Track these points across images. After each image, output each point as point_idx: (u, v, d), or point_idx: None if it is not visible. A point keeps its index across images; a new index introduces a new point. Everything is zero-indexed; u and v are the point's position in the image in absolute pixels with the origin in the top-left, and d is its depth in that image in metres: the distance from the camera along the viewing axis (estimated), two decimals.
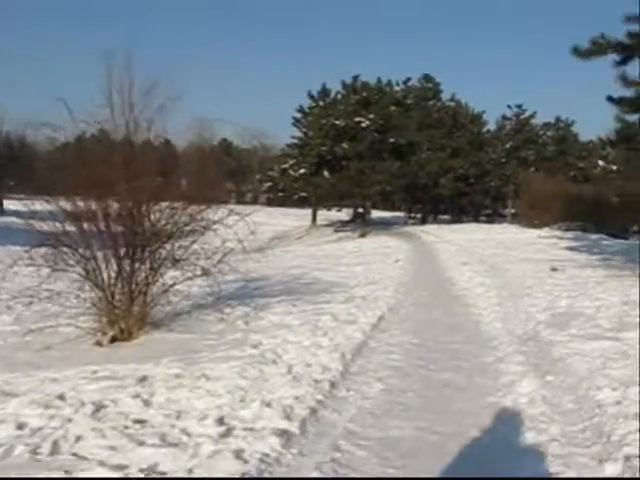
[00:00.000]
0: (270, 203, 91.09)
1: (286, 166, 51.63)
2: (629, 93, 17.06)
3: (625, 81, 16.21)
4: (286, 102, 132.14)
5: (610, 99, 17.92)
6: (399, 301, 13.31)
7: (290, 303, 12.65)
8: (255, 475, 4.66)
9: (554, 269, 17.45)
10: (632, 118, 17.02)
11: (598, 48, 17.62)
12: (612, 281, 14.67)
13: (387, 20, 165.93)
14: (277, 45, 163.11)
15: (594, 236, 32.75)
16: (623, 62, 17.50)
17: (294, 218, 61.34)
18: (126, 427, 5.53)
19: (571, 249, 25.65)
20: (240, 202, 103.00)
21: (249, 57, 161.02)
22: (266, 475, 4.71)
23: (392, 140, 44.32)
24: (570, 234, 34.53)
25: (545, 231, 37.44)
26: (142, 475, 4.64)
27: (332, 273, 18.83)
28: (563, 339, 8.89)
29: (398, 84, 48.74)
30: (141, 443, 5.15)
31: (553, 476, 4.66)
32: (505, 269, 18.41)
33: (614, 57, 17.60)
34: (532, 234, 35.38)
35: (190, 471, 4.68)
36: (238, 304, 12.55)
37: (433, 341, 9.56)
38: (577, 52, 17.92)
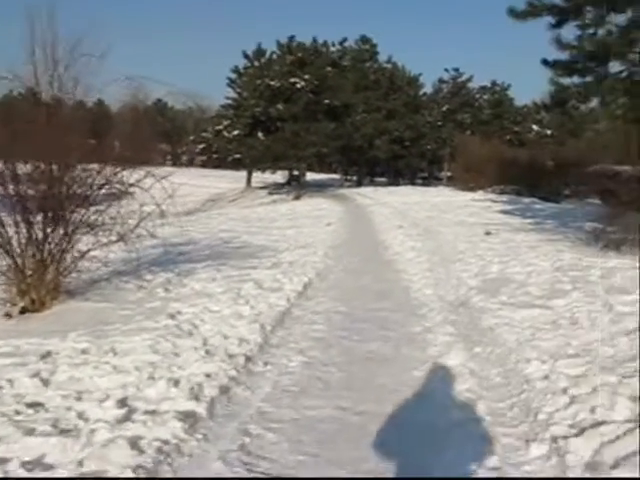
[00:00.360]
0: (205, 165, 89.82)
1: (220, 127, 50.65)
2: (564, 56, 16.82)
3: (560, 44, 15.92)
4: (223, 62, 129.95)
5: (545, 62, 17.65)
6: (328, 266, 12.90)
7: (215, 269, 12.11)
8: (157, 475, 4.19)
9: (488, 233, 17.24)
10: (566, 81, 16.79)
11: (534, 9, 17.30)
12: (545, 245, 14.49)
13: None
14: (212, 5, 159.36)
15: (527, 199, 32.90)
16: (558, 25, 17.22)
17: (229, 180, 60.42)
18: (17, 412, 4.99)
19: (505, 212, 25.61)
20: (176, 164, 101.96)
21: (182, 16, 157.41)
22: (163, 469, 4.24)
23: (327, 101, 43.58)
24: (504, 197, 34.64)
25: (479, 194, 37.51)
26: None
27: (263, 237, 18.31)
28: (493, 307, 8.60)
29: (334, 45, 48.02)
30: (30, 431, 4.62)
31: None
32: (438, 232, 18.15)
33: (549, 20, 17.38)
34: (467, 197, 35.41)
35: (80, 463, 4.18)
36: (161, 270, 11.99)
37: (361, 309, 9.18)
38: (513, 13, 17.58)
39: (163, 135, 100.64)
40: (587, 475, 4.10)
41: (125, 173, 10.59)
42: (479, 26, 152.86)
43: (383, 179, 69.10)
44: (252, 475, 4.25)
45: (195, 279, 11.06)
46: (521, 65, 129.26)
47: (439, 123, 65.99)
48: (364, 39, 60.29)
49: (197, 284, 10.62)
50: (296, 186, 47.51)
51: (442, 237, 17.06)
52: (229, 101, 52.23)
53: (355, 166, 65.20)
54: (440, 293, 10.12)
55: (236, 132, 47.98)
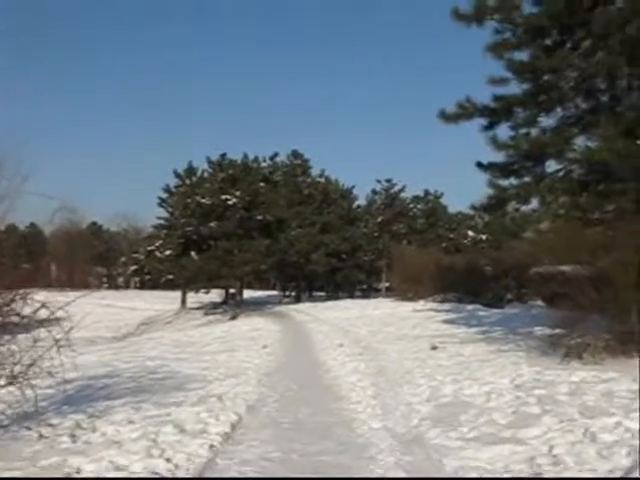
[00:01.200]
0: (143, 286, 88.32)
1: (152, 248, 49.33)
2: (499, 158, 16.21)
3: (495, 144, 15.28)
4: (157, 182, 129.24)
5: (480, 165, 17.03)
6: (262, 398, 11.46)
7: (134, 407, 10.63)
8: None
9: (434, 347, 16.05)
10: (504, 183, 16.10)
11: (465, 111, 16.77)
12: (498, 358, 13.33)
13: (253, 102, 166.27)
14: (147, 125, 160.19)
15: (470, 307, 31.95)
16: (490, 126, 16.69)
17: (165, 301, 58.75)
18: None
19: (449, 322, 24.56)
20: (112, 287, 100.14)
21: (119, 138, 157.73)
22: None
23: (260, 217, 42.80)
24: (446, 306, 33.70)
25: (420, 304, 36.57)
26: None
27: (193, 364, 16.81)
28: (454, 444, 7.27)
29: (265, 160, 47.59)
30: None
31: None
32: (382, 350, 16.89)
33: (481, 122, 16.83)
34: (407, 308, 34.38)
35: None
36: (72, 411, 10.52)
37: (298, 453, 7.76)
38: (444, 116, 17.01)
39: (98, 257, 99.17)
40: None
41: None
42: (409, 135, 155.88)
43: (322, 293, 68.10)
44: None
45: (109, 421, 9.58)
46: (453, 171, 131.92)
47: (375, 234, 65.73)
48: (296, 154, 60.28)
49: (110, 427, 9.13)
50: (233, 305, 46.06)
51: (386, 355, 15.82)
52: (161, 221, 51.16)
53: (293, 281, 64.12)
54: (389, 425, 8.78)
55: (168, 252, 46.72)
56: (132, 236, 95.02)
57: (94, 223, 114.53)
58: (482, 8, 15.65)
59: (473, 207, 17.18)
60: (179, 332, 34.05)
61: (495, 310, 30.10)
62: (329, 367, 15.15)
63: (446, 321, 25.07)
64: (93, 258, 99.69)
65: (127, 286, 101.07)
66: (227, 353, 18.82)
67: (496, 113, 16.20)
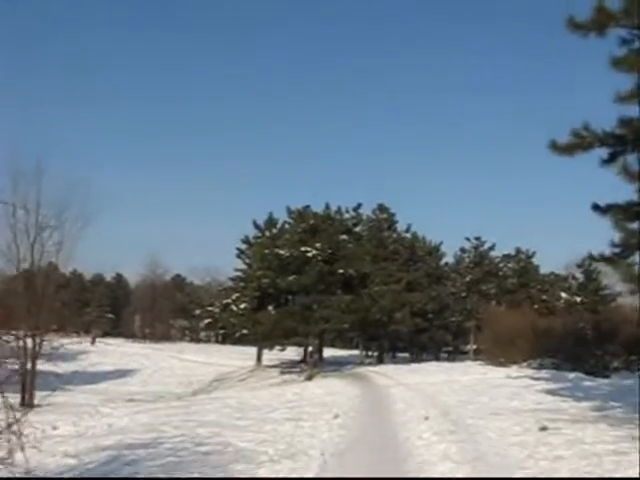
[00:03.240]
0: (224, 341, 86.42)
1: (229, 301, 47.19)
2: (619, 199, 13.32)
3: (628, 174, 12.33)
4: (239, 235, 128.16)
5: (596, 208, 14.12)
6: None
7: None
8: None
9: (543, 428, 12.98)
10: (632, 226, 13.13)
11: (582, 141, 13.90)
12: (634, 450, 10.24)
13: (335, 153, 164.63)
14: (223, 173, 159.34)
15: (571, 375, 28.54)
16: (611, 159, 13.79)
17: (246, 357, 56.29)
18: None
19: (551, 393, 21.41)
20: (194, 340, 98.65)
21: (204, 189, 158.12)
22: None
23: (341, 271, 40.18)
24: (543, 373, 30.42)
25: (514, 370, 33.26)
26: None
27: (249, 435, 14.22)
28: None
29: (348, 211, 45.13)
30: None
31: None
32: (476, 428, 13.92)
33: (599, 153, 13.99)
34: (499, 374, 31.10)
35: None
36: None
37: None
38: (556, 147, 14.20)
39: (181, 310, 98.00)
40: None
41: None
42: (498, 190, 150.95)
43: (405, 355, 64.94)
44: None
45: None
46: (544, 232, 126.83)
47: (463, 294, 62.47)
48: (381, 208, 57.60)
49: None
50: (311, 364, 43.29)
51: (482, 435, 12.86)
52: (238, 273, 49.13)
53: (375, 341, 61.02)
54: None
55: (243, 305, 44.48)
56: (214, 289, 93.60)
57: (178, 275, 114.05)
58: (604, 15, 12.89)
59: (591, 257, 14.18)
60: (249, 392, 31.60)
61: (602, 380, 26.67)
62: (412, 448, 12.25)
63: (547, 391, 21.92)
64: (175, 310, 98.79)
65: (208, 340, 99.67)
66: (292, 422, 16.11)
67: (622, 141, 13.27)
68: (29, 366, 26.76)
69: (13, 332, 26.79)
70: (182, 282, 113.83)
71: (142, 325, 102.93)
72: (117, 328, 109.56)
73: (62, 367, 48.27)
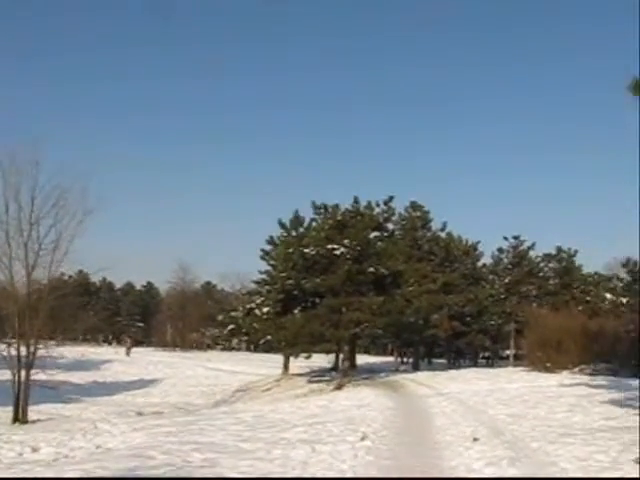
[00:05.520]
0: (256, 349, 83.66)
1: (252, 305, 44.16)
2: None
3: None
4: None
5: None
6: None
7: None
8: None
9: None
10: None
11: None
12: None
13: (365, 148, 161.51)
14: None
15: (634, 382, 25.12)
16: None
17: (275, 365, 53.32)
18: None
19: (618, 404, 18.16)
20: (225, 348, 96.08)
21: (231, 193, 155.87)
22: None
23: (372, 270, 36.95)
24: (601, 380, 27.06)
25: (566, 376, 29.98)
26: None
27: (251, 464, 11.19)
28: None
29: (379, 205, 41.78)
30: None
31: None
32: (545, 455, 10.70)
33: None
34: (549, 381, 27.83)
35: None
36: None
37: None
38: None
39: (211, 318, 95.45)
40: None
41: None
42: (537, 186, 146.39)
43: (442, 361, 61.87)
44: None
45: None
46: (585, 230, 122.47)
47: (502, 296, 59.21)
48: (414, 205, 54.31)
49: None
50: (342, 372, 40.09)
51: (555, 467, 9.65)
52: (263, 275, 46.14)
53: (411, 346, 57.81)
54: None
55: (265, 309, 41.43)
56: (246, 297, 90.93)
57: (208, 282, 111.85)
58: None
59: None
60: (272, 404, 28.55)
61: None
62: None
63: (613, 402, 18.67)
64: (205, 318, 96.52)
65: (240, 348, 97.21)
66: (308, 446, 12.95)
67: None
68: (23, 377, 23.98)
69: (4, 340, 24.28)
70: (212, 289, 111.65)
71: (173, 333, 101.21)
72: (148, 337, 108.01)
73: (81, 377, 46.06)
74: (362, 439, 13.64)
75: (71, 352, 60.10)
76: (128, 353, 70.51)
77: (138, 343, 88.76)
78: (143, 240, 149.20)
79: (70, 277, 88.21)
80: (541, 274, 63.30)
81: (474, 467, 10.25)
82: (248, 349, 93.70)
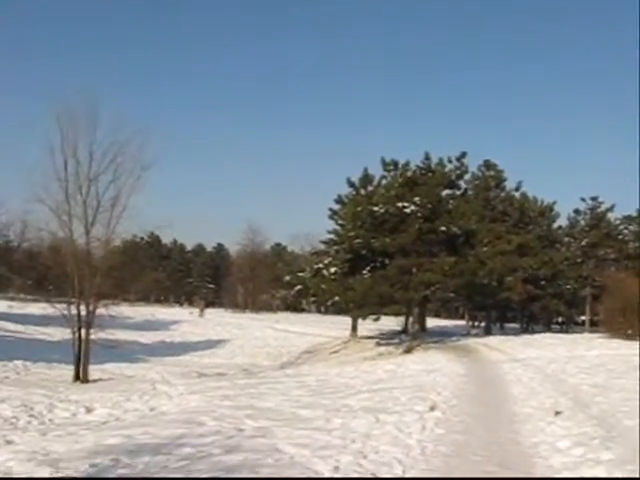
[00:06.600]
0: (327, 310, 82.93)
1: (320, 265, 43.07)
2: None
3: None
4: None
5: None
6: None
7: None
8: None
9: None
10: None
11: None
12: None
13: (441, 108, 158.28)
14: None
15: None
16: None
17: (345, 327, 52.35)
18: None
19: None
20: (296, 310, 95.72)
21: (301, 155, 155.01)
22: None
23: (444, 229, 35.39)
24: None
25: None
26: None
27: (308, 435, 10.13)
28: None
29: (451, 161, 39.90)
30: None
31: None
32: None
33: None
34: (633, 349, 26.00)
35: None
36: None
37: None
38: None
39: (281, 280, 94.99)
40: None
41: None
42: (617, 151, 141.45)
43: (515, 325, 60.21)
44: None
45: None
46: None
47: (578, 259, 57.12)
48: (488, 164, 52.37)
49: None
50: (411, 335, 38.86)
51: None
52: (331, 235, 45.02)
53: (483, 310, 56.18)
54: None
55: (332, 269, 40.31)
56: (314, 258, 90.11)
57: (278, 244, 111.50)
58: None
59: None
60: (338, 366, 27.57)
61: None
62: (546, 469, 7.88)
63: None
64: (276, 280, 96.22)
65: (310, 310, 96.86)
66: (371, 415, 11.84)
67: None
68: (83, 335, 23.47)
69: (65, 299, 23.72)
70: (282, 251, 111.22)
71: (244, 295, 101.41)
72: (219, 298, 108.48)
73: (149, 337, 45.95)
74: (431, 409, 12.46)
75: (140, 312, 60.85)
76: (201, 314, 70.68)
77: (209, 304, 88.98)
78: (214, 202, 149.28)
79: (142, 239, 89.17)
80: (620, 237, 60.98)
81: (559, 446, 8.98)
82: (318, 311, 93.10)
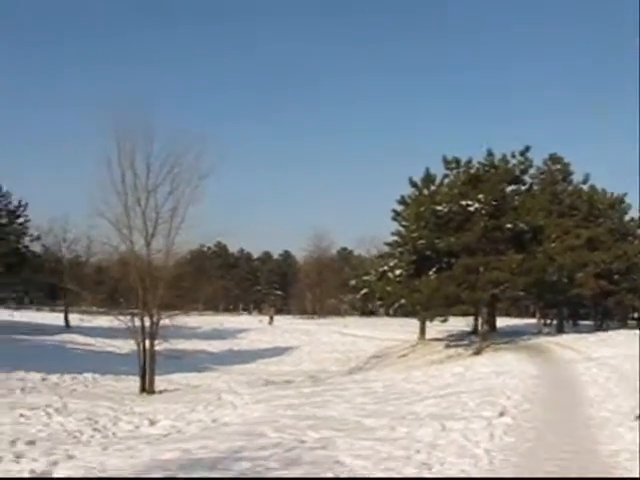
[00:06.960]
0: (395, 313, 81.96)
1: (385, 268, 42.47)
2: None
3: None
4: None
5: None
6: None
7: None
8: None
9: None
10: None
11: None
12: None
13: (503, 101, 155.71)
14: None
15: None
16: None
17: (413, 330, 51.66)
18: None
19: None
20: (364, 314, 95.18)
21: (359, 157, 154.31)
22: None
23: (510, 226, 34.42)
24: None
25: None
26: None
27: (370, 446, 9.65)
28: None
29: (514, 156, 38.78)
30: None
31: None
32: None
33: None
34: None
35: None
36: None
37: None
38: None
39: (348, 285, 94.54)
40: None
41: None
42: None
43: (588, 322, 58.56)
44: None
45: None
46: None
47: None
48: (554, 158, 51.01)
49: None
50: (481, 336, 38.00)
51: None
52: (394, 237, 44.37)
53: (554, 307, 54.78)
54: None
55: (398, 272, 39.65)
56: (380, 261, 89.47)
57: (344, 248, 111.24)
58: None
59: None
60: (405, 371, 27.03)
61: None
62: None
63: None
64: (343, 284, 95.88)
65: (379, 313, 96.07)
66: (438, 423, 11.31)
67: None
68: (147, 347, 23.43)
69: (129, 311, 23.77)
70: (349, 255, 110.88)
71: (312, 300, 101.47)
72: (287, 305, 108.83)
73: (216, 346, 46.03)
74: (501, 414, 11.86)
75: (208, 321, 61.14)
76: (271, 322, 70.43)
77: (278, 311, 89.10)
78: (279, 209, 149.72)
79: (209, 248, 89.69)
80: None
81: None
82: (387, 314, 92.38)
